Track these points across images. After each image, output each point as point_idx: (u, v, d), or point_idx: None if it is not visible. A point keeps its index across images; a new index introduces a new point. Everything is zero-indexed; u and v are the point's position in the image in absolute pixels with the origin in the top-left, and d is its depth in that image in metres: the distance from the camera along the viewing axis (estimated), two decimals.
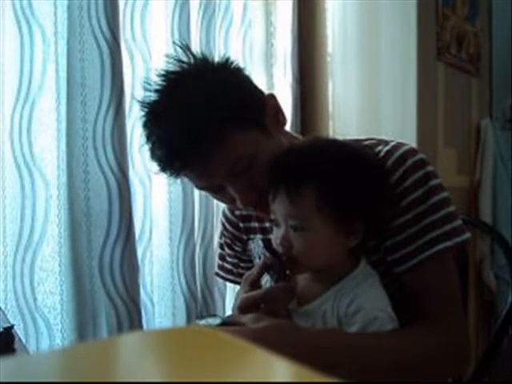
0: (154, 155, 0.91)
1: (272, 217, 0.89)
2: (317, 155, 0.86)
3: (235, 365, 0.37)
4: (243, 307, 0.88)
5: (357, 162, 0.87)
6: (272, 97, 0.97)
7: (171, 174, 0.92)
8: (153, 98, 0.89)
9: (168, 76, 0.89)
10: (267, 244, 0.93)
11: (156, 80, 0.89)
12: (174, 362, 0.39)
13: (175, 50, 0.93)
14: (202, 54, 0.93)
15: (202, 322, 0.86)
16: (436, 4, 1.96)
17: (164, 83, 0.89)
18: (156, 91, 0.89)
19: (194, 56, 0.92)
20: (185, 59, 0.91)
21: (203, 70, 0.90)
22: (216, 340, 0.43)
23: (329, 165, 0.85)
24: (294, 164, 0.86)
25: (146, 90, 0.89)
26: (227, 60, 0.93)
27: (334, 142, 0.91)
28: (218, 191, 0.94)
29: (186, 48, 0.92)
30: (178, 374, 0.36)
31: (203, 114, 0.85)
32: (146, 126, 0.90)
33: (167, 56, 0.92)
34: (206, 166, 0.88)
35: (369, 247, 0.90)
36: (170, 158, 0.88)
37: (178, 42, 0.99)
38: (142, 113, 0.90)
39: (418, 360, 0.88)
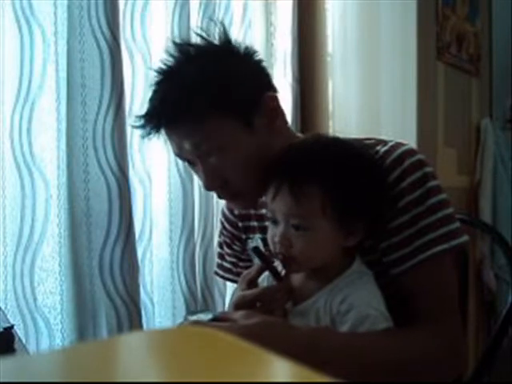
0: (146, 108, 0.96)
1: (269, 215, 0.89)
2: (321, 154, 0.86)
3: (235, 365, 0.37)
4: (239, 305, 0.88)
5: (361, 160, 0.87)
6: (273, 99, 0.96)
7: (149, 131, 0.94)
8: (168, 63, 0.94)
9: (187, 48, 0.94)
10: (258, 250, 0.94)
11: (179, 48, 0.94)
12: (174, 362, 0.39)
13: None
14: (228, 38, 0.96)
15: (194, 317, 0.86)
16: (436, 4, 1.96)
17: (181, 54, 0.94)
18: (172, 57, 0.94)
19: (224, 39, 0.96)
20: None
21: (220, 53, 0.94)
22: (216, 340, 0.42)
23: (334, 164, 0.85)
24: (299, 162, 0.86)
25: (168, 53, 0.94)
26: (247, 49, 0.96)
27: (337, 141, 0.91)
28: (191, 164, 0.97)
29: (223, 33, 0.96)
30: (177, 374, 0.36)
31: (196, 89, 0.89)
32: (153, 83, 0.95)
33: (200, 30, 0.97)
34: (176, 133, 0.93)
35: (365, 247, 0.90)
36: (151, 114, 0.93)
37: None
38: (156, 71, 0.95)
39: (409, 361, 0.87)
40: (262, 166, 0.90)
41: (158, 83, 0.94)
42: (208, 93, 0.89)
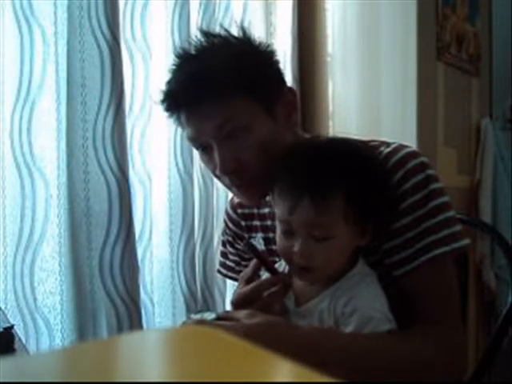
0: (165, 86, 0.95)
1: (282, 227, 0.86)
2: (339, 162, 0.84)
3: (235, 365, 0.37)
4: (237, 303, 0.89)
5: (373, 163, 0.87)
6: (293, 93, 0.98)
7: (168, 110, 0.95)
8: (191, 48, 0.95)
9: (213, 37, 0.95)
10: (251, 246, 0.94)
11: (206, 35, 0.95)
12: (174, 362, 0.39)
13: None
14: (248, 35, 0.98)
15: (197, 316, 0.85)
16: (436, 4, 1.96)
17: (207, 40, 0.95)
18: (198, 43, 0.94)
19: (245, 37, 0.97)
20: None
21: (244, 44, 0.96)
22: (216, 340, 0.42)
23: (353, 170, 0.84)
24: (317, 173, 0.83)
25: (192, 40, 0.96)
26: (267, 48, 0.98)
27: (348, 145, 0.89)
28: (205, 150, 0.95)
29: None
30: (178, 373, 0.36)
31: (225, 70, 0.90)
32: (172, 66, 0.96)
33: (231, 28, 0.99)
34: (197, 114, 0.92)
35: (368, 248, 0.90)
36: (175, 92, 0.93)
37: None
38: (178, 56, 0.96)
39: (411, 363, 0.87)
40: (275, 155, 0.90)
41: (179, 66, 0.94)
42: (236, 74, 0.91)
